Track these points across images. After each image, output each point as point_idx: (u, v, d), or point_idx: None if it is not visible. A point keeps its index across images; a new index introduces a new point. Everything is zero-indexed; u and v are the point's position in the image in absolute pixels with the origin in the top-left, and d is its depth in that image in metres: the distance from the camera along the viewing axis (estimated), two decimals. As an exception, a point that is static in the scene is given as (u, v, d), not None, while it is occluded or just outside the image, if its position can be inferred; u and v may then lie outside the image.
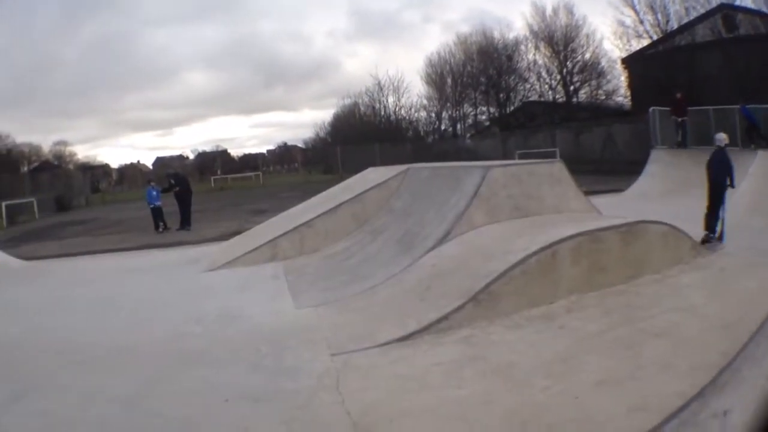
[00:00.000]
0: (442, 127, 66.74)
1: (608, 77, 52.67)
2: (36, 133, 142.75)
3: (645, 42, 45.50)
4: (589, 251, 8.61)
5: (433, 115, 66.88)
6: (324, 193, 18.10)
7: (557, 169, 11.43)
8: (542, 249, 8.32)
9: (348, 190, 16.11)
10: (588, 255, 8.57)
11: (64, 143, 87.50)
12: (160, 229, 24.31)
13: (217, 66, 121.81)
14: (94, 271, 16.39)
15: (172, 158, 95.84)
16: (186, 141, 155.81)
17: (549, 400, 5.47)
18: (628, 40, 47.52)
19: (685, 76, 34.10)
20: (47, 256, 19.60)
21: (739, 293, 8.28)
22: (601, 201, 14.26)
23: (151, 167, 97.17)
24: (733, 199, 12.76)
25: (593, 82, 53.82)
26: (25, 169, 77.26)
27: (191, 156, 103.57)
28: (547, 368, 6.18)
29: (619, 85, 51.31)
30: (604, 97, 53.29)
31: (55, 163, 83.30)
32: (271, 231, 15.77)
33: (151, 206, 24.93)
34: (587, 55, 53.76)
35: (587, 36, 53.21)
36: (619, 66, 49.09)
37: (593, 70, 53.29)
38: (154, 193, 24.91)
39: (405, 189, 13.95)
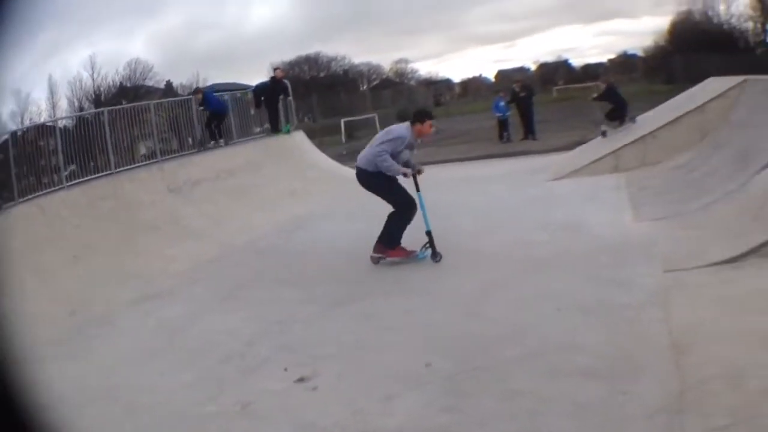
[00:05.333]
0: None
1: None
2: (376, 54, 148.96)
3: None
4: None
5: (759, 25, 60.29)
6: (667, 104, 17.52)
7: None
8: None
9: (690, 101, 15.38)
10: None
11: (405, 61, 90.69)
12: (504, 139, 25.11)
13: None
14: (442, 179, 17.32)
15: (513, 70, 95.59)
16: (528, 53, 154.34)
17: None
18: None
19: None
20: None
21: None
22: None
23: (492, 80, 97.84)
24: None
25: None
26: (365, 87, 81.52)
27: (533, 67, 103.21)
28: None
29: None
30: None
31: (396, 80, 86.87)
32: (615, 142, 15.78)
33: (498, 116, 25.74)
34: None
35: None
36: None
37: None
38: (501, 103, 25.73)
39: (743, 102, 13.00)
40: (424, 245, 9.12)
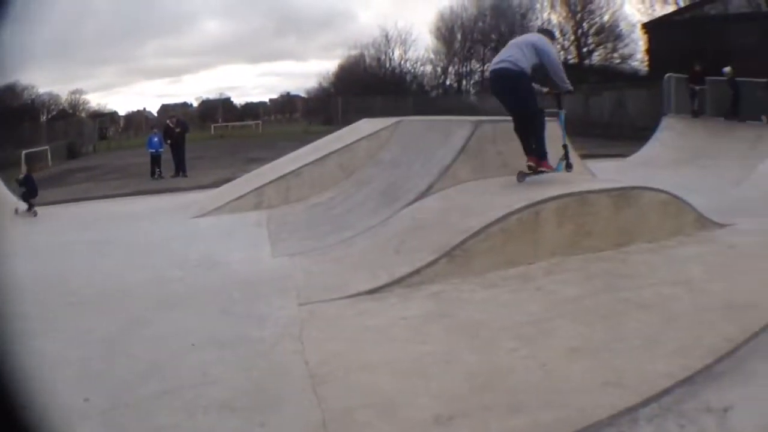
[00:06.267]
0: (447, 82, 66.20)
1: (625, 41, 52.20)
2: (59, 83, 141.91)
3: (670, 8, 45.01)
4: (575, 213, 8.13)
5: (439, 69, 66.15)
6: (315, 143, 17.73)
7: (551, 128, 11.00)
8: (524, 207, 7.88)
9: (339, 140, 15.83)
10: (574, 217, 8.11)
11: (80, 92, 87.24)
12: (155, 176, 24.45)
13: (233, 12, 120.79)
14: (92, 216, 16.66)
15: (175, 106, 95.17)
16: (194, 89, 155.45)
17: (514, 364, 5.14)
18: (652, 5, 47.08)
19: (714, 47, 30.63)
20: (53, 202, 19.94)
21: (751, 274, 7.20)
22: (601, 165, 13.92)
23: (155, 114, 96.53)
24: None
25: (609, 45, 53.55)
26: (44, 118, 77.30)
27: (195, 104, 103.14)
28: (517, 330, 5.82)
29: (636, 49, 50.62)
30: (619, 61, 52.80)
31: (70, 111, 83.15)
32: (260, 179, 15.62)
33: (152, 152, 25.03)
34: (605, 17, 53.33)
35: (608, -3, 52.44)
36: (638, 30, 48.14)
37: (610, 33, 52.88)
38: (156, 139, 25.26)
39: (395, 141, 13.76)
40: (561, 158, 9.36)
